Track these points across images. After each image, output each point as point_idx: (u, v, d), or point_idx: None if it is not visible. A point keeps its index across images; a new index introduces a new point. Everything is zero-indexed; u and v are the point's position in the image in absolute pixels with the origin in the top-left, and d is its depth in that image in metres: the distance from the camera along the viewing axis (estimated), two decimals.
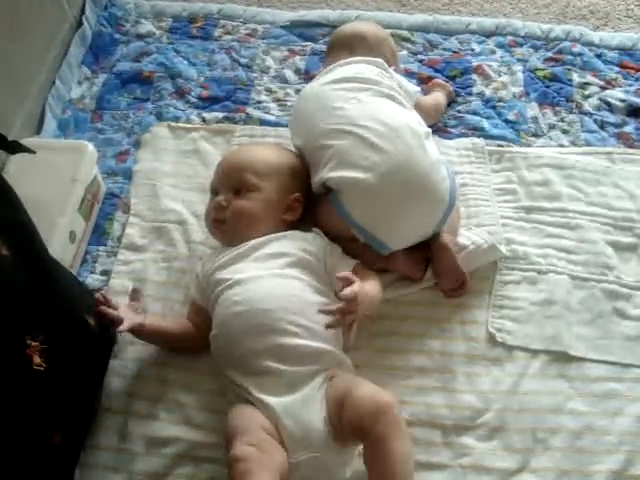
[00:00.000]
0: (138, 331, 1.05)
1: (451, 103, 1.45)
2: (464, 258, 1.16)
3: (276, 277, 1.05)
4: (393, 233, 1.13)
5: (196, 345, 1.09)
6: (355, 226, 1.12)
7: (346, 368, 1.04)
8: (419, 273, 1.17)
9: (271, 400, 0.95)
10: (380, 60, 1.27)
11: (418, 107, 1.28)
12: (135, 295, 1.09)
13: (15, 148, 0.96)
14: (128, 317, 1.03)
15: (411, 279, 1.18)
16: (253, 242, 1.09)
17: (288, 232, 1.13)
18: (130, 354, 1.12)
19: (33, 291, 0.89)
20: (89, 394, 1.06)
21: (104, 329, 1.06)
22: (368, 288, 1.03)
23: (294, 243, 1.10)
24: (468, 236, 1.19)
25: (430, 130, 1.21)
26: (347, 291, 0.96)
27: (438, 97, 1.40)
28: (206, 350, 1.07)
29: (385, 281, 1.17)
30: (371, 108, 1.17)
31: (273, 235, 1.11)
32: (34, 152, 1.01)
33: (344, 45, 1.33)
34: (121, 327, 1.01)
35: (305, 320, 1.00)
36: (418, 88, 1.33)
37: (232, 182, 1.14)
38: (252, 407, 0.95)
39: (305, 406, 0.95)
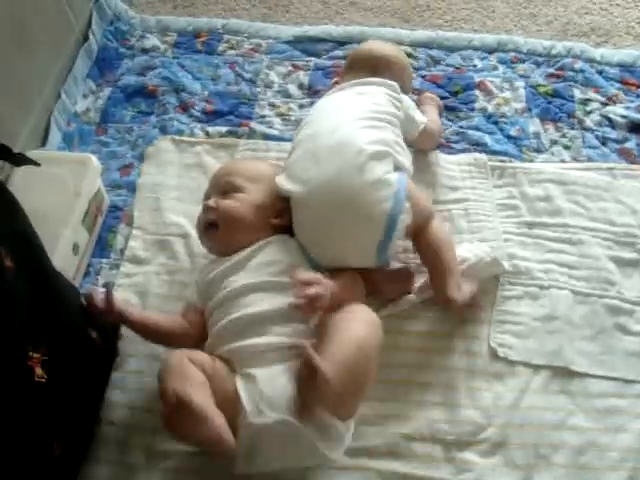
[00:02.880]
0: (130, 318, 1.05)
1: (453, 119, 1.46)
2: (467, 271, 1.16)
3: (268, 287, 1.05)
4: (323, 250, 1.11)
5: (188, 343, 1.07)
6: (298, 238, 1.13)
7: None
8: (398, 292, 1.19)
9: (253, 370, 0.96)
10: (393, 84, 1.26)
11: (424, 134, 1.29)
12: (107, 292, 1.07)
13: (20, 160, 0.97)
14: (119, 301, 1.05)
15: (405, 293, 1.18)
16: (244, 254, 1.09)
17: (274, 237, 1.12)
18: (131, 366, 1.12)
19: (36, 303, 0.89)
20: (90, 406, 1.05)
21: (106, 341, 1.06)
22: (340, 281, 1.05)
23: (279, 248, 1.11)
24: (470, 249, 1.20)
25: (389, 150, 1.13)
26: (310, 291, 0.97)
27: (435, 117, 1.39)
28: None
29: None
30: (337, 123, 1.16)
31: (262, 242, 1.11)
32: (39, 164, 1.01)
33: (369, 65, 1.30)
34: (115, 306, 1.03)
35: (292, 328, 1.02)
36: (425, 119, 1.31)
37: (221, 185, 1.16)
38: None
39: (283, 375, 0.95)
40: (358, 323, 0.98)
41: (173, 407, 0.88)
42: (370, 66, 1.31)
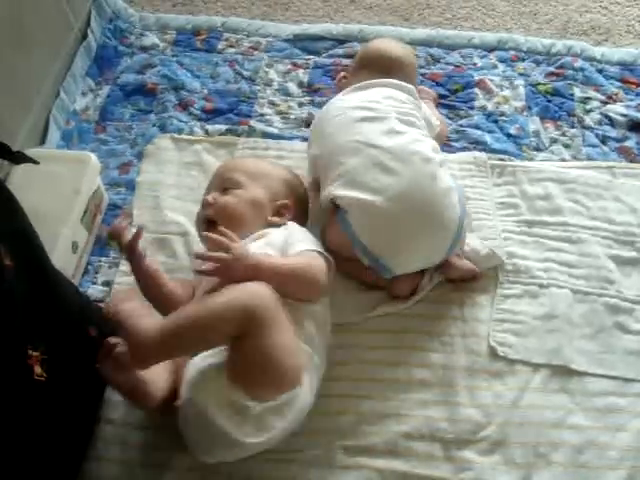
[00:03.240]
0: (145, 265, 1.05)
1: (453, 117, 1.46)
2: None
3: None
4: (398, 258, 1.13)
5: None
6: (360, 247, 1.12)
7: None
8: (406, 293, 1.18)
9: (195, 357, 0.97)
10: (412, 87, 1.27)
11: (436, 136, 1.28)
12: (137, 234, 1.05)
13: (19, 159, 0.97)
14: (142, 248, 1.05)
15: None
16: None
17: (260, 232, 1.10)
18: None
19: (35, 301, 0.89)
20: (90, 405, 1.05)
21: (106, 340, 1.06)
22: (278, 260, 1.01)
23: (264, 240, 1.08)
24: (466, 242, 1.20)
25: (445, 158, 1.21)
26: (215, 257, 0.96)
27: (441, 117, 1.40)
28: None
29: (385, 294, 1.18)
30: (389, 131, 1.16)
31: (248, 239, 1.09)
32: (38, 162, 1.01)
33: (383, 66, 1.30)
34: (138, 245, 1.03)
35: None
36: (437, 121, 1.32)
37: (221, 181, 1.16)
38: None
39: (208, 358, 0.95)
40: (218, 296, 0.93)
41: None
42: (385, 67, 1.30)
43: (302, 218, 1.19)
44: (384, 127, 1.17)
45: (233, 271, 0.95)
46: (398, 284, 1.17)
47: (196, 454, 0.96)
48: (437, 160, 1.15)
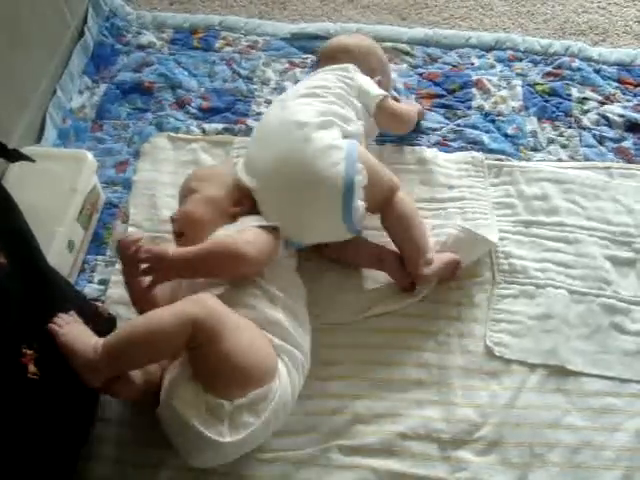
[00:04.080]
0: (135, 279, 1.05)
1: (450, 117, 1.46)
2: (454, 246, 1.18)
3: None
4: (296, 227, 1.12)
5: None
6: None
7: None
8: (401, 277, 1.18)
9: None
10: (345, 65, 1.28)
11: (384, 111, 1.28)
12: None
13: (14, 156, 0.96)
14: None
15: (404, 291, 1.18)
16: None
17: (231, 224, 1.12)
18: None
19: (29, 299, 0.89)
20: (86, 403, 1.05)
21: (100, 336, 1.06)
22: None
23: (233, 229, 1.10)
24: (448, 233, 1.20)
25: (336, 119, 1.16)
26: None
27: (407, 105, 1.40)
28: None
29: (381, 294, 1.18)
30: (280, 107, 1.20)
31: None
32: (33, 161, 1.00)
33: (328, 58, 1.34)
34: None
35: None
36: (384, 92, 1.30)
37: (182, 197, 1.19)
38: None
39: (181, 364, 0.96)
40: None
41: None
42: (330, 58, 1.33)
43: None
44: (281, 105, 1.20)
45: (160, 270, 0.99)
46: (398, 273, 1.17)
47: (186, 460, 0.97)
48: (315, 123, 1.13)
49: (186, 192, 1.17)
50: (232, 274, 1.03)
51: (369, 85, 1.28)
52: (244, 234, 1.05)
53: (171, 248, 1.01)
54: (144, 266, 1.00)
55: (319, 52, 1.42)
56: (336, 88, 1.22)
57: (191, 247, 1.02)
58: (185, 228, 1.12)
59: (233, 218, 1.13)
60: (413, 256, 1.14)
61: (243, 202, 1.15)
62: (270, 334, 1.00)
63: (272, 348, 0.99)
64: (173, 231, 1.16)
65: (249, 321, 0.99)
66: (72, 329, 0.92)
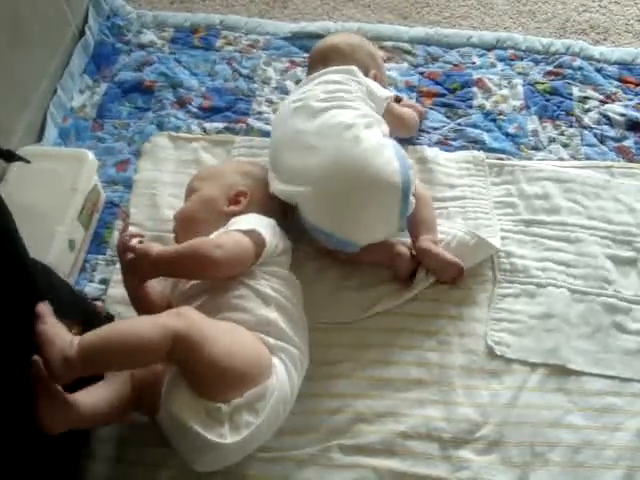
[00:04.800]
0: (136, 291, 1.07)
1: (451, 116, 1.46)
2: (457, 250, 1.18)
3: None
4: (354, 229, 1.13)
5: None
6: (319, 234, 1.14)
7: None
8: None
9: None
10: (350, 67, 1.29)
11: (392, 114, 1.29)
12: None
13: (10, 157, 0.96)
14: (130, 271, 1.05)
15: (404, 285, 1.18)
16: None
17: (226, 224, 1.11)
18: None
19: (13, 301, 0.87)
20: None
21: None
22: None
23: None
24: (447, 231, 1.20)
25: (373, 120, 1.20)
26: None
27: (408, 108, 1.40)
28: None
29: (381, 293, 1.18)
30: (313, 113, 1.19)
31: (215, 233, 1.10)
32: (29, 161, 1.00)
33: (319, 58, 1.35)
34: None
35: None
36: (390, 93, 1.33)
37: (185, 197, 1.19)
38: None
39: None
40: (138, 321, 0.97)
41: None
42: (321, 58, 1.34)
43: (266, 199, 1.18)
44: (309, 111, 1.19)
45: (143, 267, 1.01)
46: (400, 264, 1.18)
47: (190, 465, 0.96)
48: (360, 123, 1.16)
49: (189, 191, 1.18)
50: (203, 277, 1.03)
51: (376, 86, 1.29)
52: (219, 238, 1.04)
53: (156, 246, 1.01)
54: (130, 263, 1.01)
55: (310, 54, 1.41)
56: (357, 91, 1.24)
57: (170, 247, 1.03)
58: (179, 227, 1.13)
59: (226, 215, 1.13)
60: (419, 231, 1.16)
61: (239, 200, 1.15)
62: (264, 334, 0.99)
63: (264, 347, 0.98)
64: (173, 230, 1.16)
65: (233, 324, 0.98)
66: (53, 320, 0.90)
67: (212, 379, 0.91)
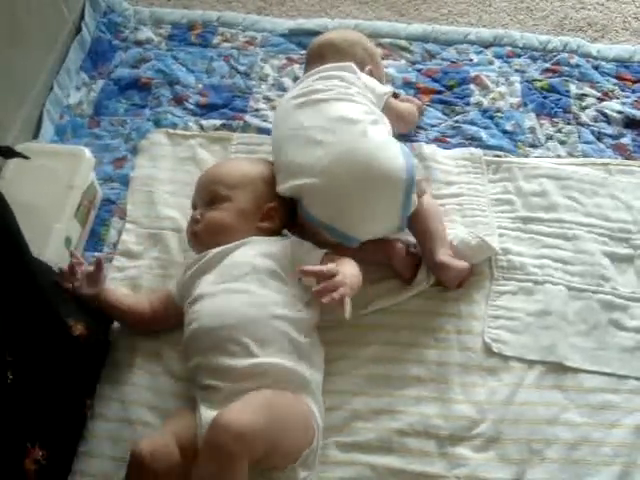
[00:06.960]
0: (96, 300, 1.10)
1: (448, 113, 1.46)
2: (456, 252, 1.17)
3: (228, 293, 1.04)
4: (356, 222, 1.13)
5: (140, 326, 1.13)
6: (321, 226, 1.13)
7: (303, 384, 1.01)
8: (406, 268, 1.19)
9: (205, 412, 0.94)
10: (347, 64, 1.28)
11: (391, 110, 1.29)
12: (98, 265, 1.11)
13: (7, 153, 0.96)
14: (83, 287, 1.09)
15: (403, 283, 1.18)
16: (214, 252, 1.09)
17: (250, 238, 1.11)
18: (124, 361, 1.12)
19: (19, 298, 0.87)
20: (76, 402, 1.04)
21: (94, 335, 1.05)
22: (347, 268, 1.03)
23: (253, 249, 1.09)
24: (455, 234, 1.20)
25: (377, 117, 1.21)
26: (324, 268, 0.99)
27: (408, 104, 1.41)
28: None
29: (380, 290, 1.18)
30: (316, 108, 1.19)
31: (233, 244, 1.10)
32: (28, 157, 1.00)
33: (316, 55, 1.34)
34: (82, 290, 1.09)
35: (248, 337, 0.98)
36: (389, 89, 1.33)
37: (206, 195, 1.16)
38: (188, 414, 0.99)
39: None
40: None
41: None
42: (317, 55, 1.34)
43: (289, 209, 1.18)
44: (313, 106, 1.20)
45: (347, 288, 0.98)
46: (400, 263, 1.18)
47: None
48: (367, 120, 1.16)
49: (214, 196, 1.14)
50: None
51: (373, 82, 1.29)
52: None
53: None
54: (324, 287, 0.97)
55: (307, 52, 1.41)
56: (357, 87, 1.24)
57: (348, 271, 1.02)
58: (208, 234, 1.12)
59: (259, 230, 1.13)
60: (435, 244, 1.15)
61: (272, 216, 1.15)
62: (294, 387, 0.99)
63: (305, 405, 0.99)
64: (191, 230, 1.15)
65: (280, 396, 0.96)
66: None
67: (274, 461, 0.94)
